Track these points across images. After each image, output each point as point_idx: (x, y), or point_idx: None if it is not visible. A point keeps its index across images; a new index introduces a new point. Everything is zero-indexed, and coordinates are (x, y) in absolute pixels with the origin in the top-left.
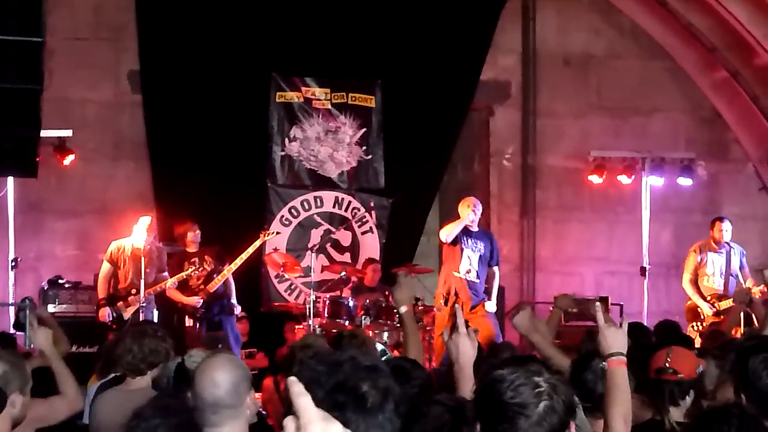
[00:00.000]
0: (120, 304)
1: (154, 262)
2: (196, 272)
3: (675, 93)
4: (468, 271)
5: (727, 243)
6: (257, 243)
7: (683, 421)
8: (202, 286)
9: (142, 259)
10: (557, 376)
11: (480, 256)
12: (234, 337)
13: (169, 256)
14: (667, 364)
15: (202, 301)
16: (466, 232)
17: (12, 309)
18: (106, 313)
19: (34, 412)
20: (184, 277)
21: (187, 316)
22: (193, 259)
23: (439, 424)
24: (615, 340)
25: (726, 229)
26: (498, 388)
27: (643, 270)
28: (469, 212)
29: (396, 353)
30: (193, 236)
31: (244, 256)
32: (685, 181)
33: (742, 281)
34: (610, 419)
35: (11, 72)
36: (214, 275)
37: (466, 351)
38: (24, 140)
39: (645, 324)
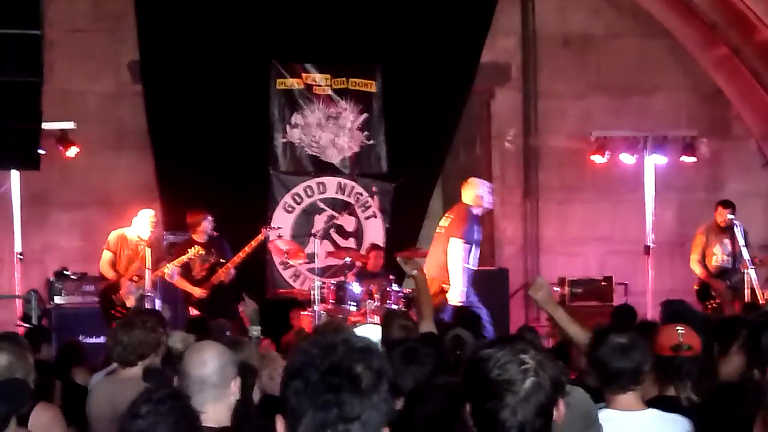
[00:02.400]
0: (123, 291)
1: (155, 254)
2: (198, 255)
3: (676, 71)
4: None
5: (731, 222)
6: (259, 238)
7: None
8: (205, 276)
9: (147, 249)
10: (544, 353)
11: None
12: None
13: (172, 245)
14: (681, 340)
15: (206, 293)
16: (478, 223)
17: (18, 302)
18: (129, 285)
19: None
20: (185, 260)
21: (190, 307)
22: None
23: (439, 409)
24: None
25: (727, 214)
26: (484, 366)
27: (647, 249)
28: (484, 199)
29: None
30: (206, 225)
31: (246, 251)
32: (687, 159)
33: (747, 257)
34: None
35: (11, 65)
36: (218, 268)
37: None
38: (26, 133)
39: (649, 303)
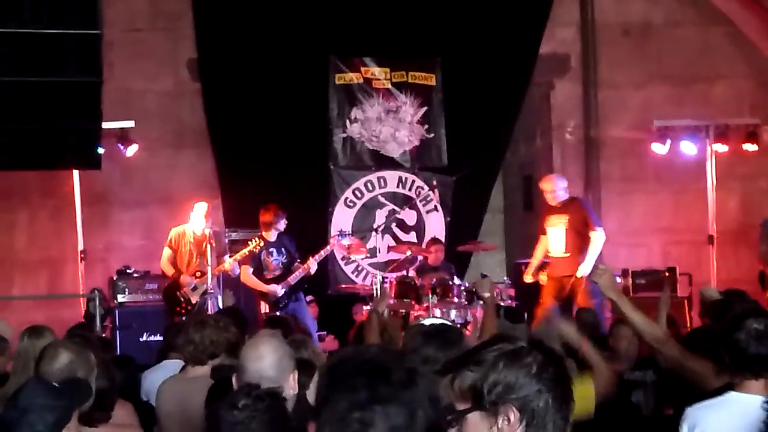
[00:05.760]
0: (184, 287)
1: (215, 248)
2: (258, 247)
3: (737, 59)
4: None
5: None
6: (328, 248)
7: None
8: (280, 275)
9: (207, 244)
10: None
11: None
12: (310, 321)
13: (234, 242)
14: None
15: (282, 289)
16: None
17: (82, 301)
18: (188, 281)
19: None
20: (246, 253)
21: (262, 302)
22: (271, 249)
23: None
24: None
25: None
26: None
27: (710, 238)
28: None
29: (467, 332)
30: (281, 225)
31: (315, 260)
32: (750, 148)
33: None
34: None
35: (71, 65)
36: (291, 267)
37: None
38: (86, 133)
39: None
